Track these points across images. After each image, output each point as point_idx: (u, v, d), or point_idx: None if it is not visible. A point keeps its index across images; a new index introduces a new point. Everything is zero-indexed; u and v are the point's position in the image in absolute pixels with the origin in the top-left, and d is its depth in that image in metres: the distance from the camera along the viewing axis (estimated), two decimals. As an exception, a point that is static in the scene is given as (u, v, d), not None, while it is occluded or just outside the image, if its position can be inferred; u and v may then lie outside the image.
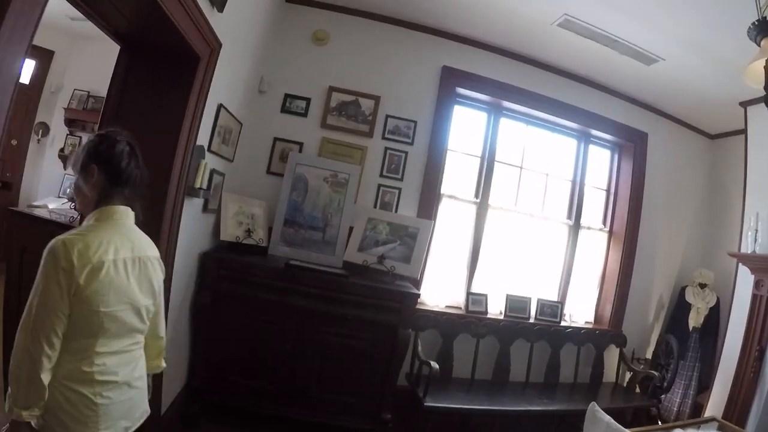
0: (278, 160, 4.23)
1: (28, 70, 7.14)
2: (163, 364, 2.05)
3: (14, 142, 7.01)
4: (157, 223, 2.61)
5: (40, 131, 7.00)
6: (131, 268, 1.67)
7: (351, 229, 4.06)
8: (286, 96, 4.32)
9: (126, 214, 1.73)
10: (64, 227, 3.14)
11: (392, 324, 3.49)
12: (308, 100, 4.34)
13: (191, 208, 3.13)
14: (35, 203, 6.03)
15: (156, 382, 2.26)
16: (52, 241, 1.51)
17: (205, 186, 3.17)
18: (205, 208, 3.45)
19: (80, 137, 6.73)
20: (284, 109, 4.31)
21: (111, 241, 1.61)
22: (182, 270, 3.13)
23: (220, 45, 2.89)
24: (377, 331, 3.50)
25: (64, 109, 6.72)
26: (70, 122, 6.76)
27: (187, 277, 3.29)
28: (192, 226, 3.21)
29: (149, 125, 2.64)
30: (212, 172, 3.38)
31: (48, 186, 6.79)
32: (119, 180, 1.70)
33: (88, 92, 6.69)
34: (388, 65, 4.47)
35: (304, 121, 4.32)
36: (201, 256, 3.47)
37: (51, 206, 5.83)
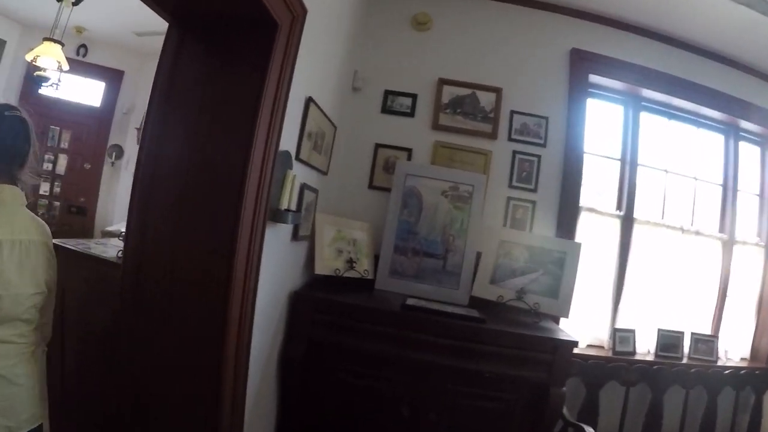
0: (382, 171, 3.51)
1: (98, 92, 6.92)
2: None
3: (87, 166, 6.92)
4: (226, 259, 1.92)
5: (114, 154, 6.95)
6: (10, 250, 1.55)
7: (479, 255, 3.24)
8: (387, 93, 3.61)
9: (11, 194, 1.62)
10: (107, 264, 2.59)
11: (541, 381, 2.66)
12: (414, 97, 3.61)
13: (276, 236, 2.40)
14: (110, 228, 5.89)
15: None
16: None
17: (294, 207, 2.41)
18: (295, 236, 2.72)
19: None
20: (385, 109, 3.60)
21: None
22: (268, 314, 2.42)
23: (305, 11, 2.13)
24: (520, 391, 2.69)
25: (137, 129, 6.47)
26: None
27: (275, 323, 2.58)
28: (278, 259, 2.48)
29: (211, 122, 1.99)
30: (303, 187, 2.66)
31: (123, 210, 6.39)
32: (5, 158, 1.62)
33: None
34: (507, 50, 3.68)
35: (411, 122, 3.59)
36: (291, 297, 2.76)
37: (125, 230, 5.57)
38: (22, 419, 1.61)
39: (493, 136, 3.56)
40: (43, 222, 1.80)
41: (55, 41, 4.68)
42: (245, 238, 1.97)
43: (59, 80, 5.05)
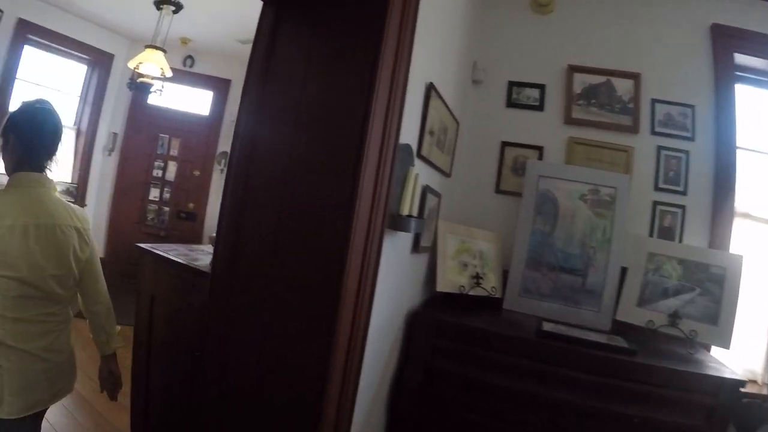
0: (510, 173, 3.10)
1: (206, 100, 7.04)
2: (114, 346, 2.04)
3: (197, 173, 6.98)
4: (335, 273, 1.57)
5: (223, 161, 6.92)
6: (34, 233, 1.66)
7: (623, 271, 2.75)
8: (511, 84, 3.19)
9: (39, 182, 1.76)
10: (197, 273, 2.32)
11: (697, 430, 2.13)
12: (542, 88, 3.15)
13: (394, 246, 2.05)
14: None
15: None
16: None
17: (415, 212, 2.07)
18: (415, 247, 2.37)
19: None
20: (511, 103, 3.18)
21: (13, 205, 1.65)
22: (382, 337, 2.08)
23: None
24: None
25: None
26: None
27: (389, 347, 2.24)
28: (396, 274, 2.15)
29: (315, 110, 1.67)
30: (425, 190, 2.32)
31: None
32: (32, 149, 1.74)
33: None
34: (641, 29, 3.14)
35: (541, 116, 3.15)
36: (409, 317, 2.42)
37: None
38: (53, 392, 1.79)
39: (634, 129, 3.04)
40: (78, 208, 1.95)
41: (157, 48, 4.69)
42: (358, 248, 1.62)
43: (162, 87, 5.07)
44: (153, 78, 4.92)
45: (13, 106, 6.15)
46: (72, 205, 1.89)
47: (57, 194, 1.83)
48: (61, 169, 6.49)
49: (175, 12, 4.65)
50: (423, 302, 2.63)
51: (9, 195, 1.69)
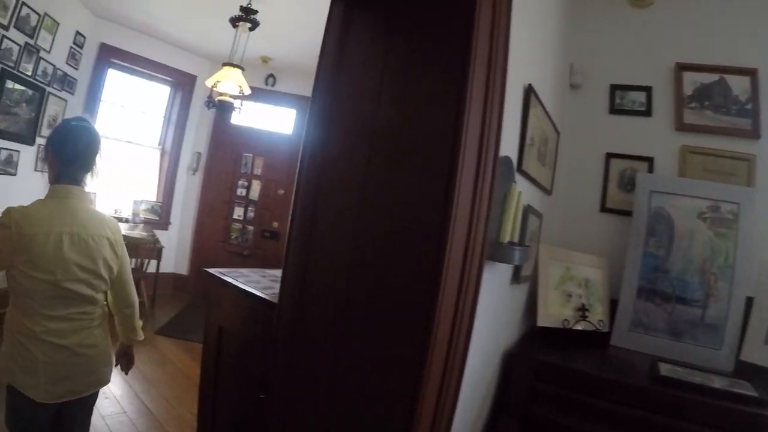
0: (617, 189, 2.76)
1: (289, 119, 7.09)
2: (140, 336, 2.28)
3: (281, 192, 6.98)
4: (424, 315, 1.30)
5: (308, 179, 6.73)
6: (69, 242, 1.81)
7: (749, 301, 2.34)
8: (613, 88, 2.85)
9: (74, 194, 1.89)
10: (266, 304, 2.13)
11: None
12: (648, 90, 2.78)
13: (494, 278, 1.80)
14: None
15: None
16: (4, 210, 1.76)
17: (517, 238, 1.79)
18: (515, 277, 2.10)
19: None
20: (614, 109, 2.84)
21: (50, 215, 1.80)
22: (474, 380, 1.79)
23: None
24: None
25: None
26: None
27: (482, 391, 1.97)
28: (493, 310, 1.89)
29: (394, 118, 1.45)
30: (526, 211, 2.06)
31: None
32: (68, 163, 1.88)
33: None
34: (754, 17, 2.68)
35: (648, 123, 2.78)
36: (505, 357, 2.14)
37: None
38: (87, 383, 1.97)
39: (754, 134, 2.60)
40: (112, 219, 2.07)
41: (235, 66, 4.66)
42: (452, 284, 1.36)
43: (241, 105, 5.05)
44: (231, 96, 4.89)
45: (100, 127, 6.45)
46: (105, 216, 2.05)
47: (92, 206, 2.01)
48: (146, 188, 6.69)
49: (251, 29, 4.60)
50: (520, 338, 2.34)
51: (47, 205, 1.84)
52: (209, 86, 4.77)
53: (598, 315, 2.39)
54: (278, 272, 2.95)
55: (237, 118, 6.92)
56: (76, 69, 5.75)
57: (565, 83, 2.85)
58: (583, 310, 2.31)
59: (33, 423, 1.89)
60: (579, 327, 2.29)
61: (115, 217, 5.90)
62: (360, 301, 1.46)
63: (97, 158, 1.98)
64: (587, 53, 2.92)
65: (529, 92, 1.92)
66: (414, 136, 1.41)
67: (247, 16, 4.49)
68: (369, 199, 1.46)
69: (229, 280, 2.40)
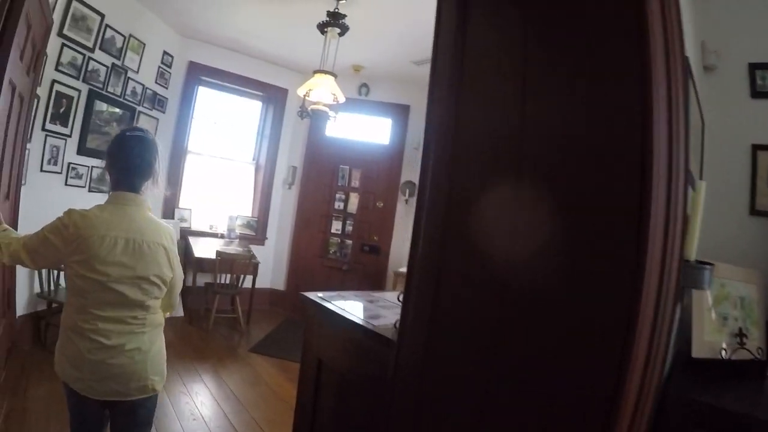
0: (766, 187, 2.29)
1: (385, 128, 6.96)
2: (167, 314, 2.23)
3: (380, 204, 6.83)
4: (610, 361, 0.97)
5: (407, 191, 6.71)
6: (123, 246, 1.88)
7: None
8: (753, 68, 2.36)
9: (132, 201, 1.96)
10: (376, 339, 1.79)
11: None
12: (798, 65, 2.30)
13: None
14: (403, 269, 5.55)
15: None
16: (66, 212, 1.87)
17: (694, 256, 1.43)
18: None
19: None
20: (756, 92, 2.35)
21: (106, 219, 1.88)
22: None
23: None
24: None
25: None
26: None
27: None
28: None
29: (542, 127, 1.11)
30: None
31: None
32: (125, 171, 1.96)
33: None
34: None
35: (799, 104, 2.29)
36: (656, 398, 1.70)
37: None
38: (132, 387, 1.97)
39: None
40: (169, 228, 2.10)
41: (327, 72, 4.54)
42: (645, 327, 0.98)
43: (336, 113, 4.88)
44: (325, 105, 4.76)
45: (192, 145, 6.59)
46: (163, 224, 2.08)
47: (150, 213, 2.03)
48: (241, 203, 6.60)
49: (341, 34, 4.46)
50: (668, 371, 1.91)
51: (104, 210, 1.92)
52: (301, 95, 4.65)
53: (755, 341, 1.91)
54: (389, 296, 2.69)
55: (332, 130, 6.92)
56: (166, 88, 5.92)
57: (698, 65, 2.39)
58: (740, 336, 1.87)
59: (84, 415, 2.01)
60: (736, 357, 1.83)
61: (210, 233, 6.03)
62: (517, 341, 1.12)
63: (156, 166, 2.03)
64: (720, 29, 2.44)
65: (687, 70, 1.54)
66: (583, 137, 1.06)
67: (335, 21, 4.36)
68: (524, 211, 1.13)
69: (331, 307, 2.11)
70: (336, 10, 4.35)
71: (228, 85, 6.65)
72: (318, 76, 4.55)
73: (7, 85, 2.36)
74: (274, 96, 6.96)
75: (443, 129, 1.31)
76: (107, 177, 2.02)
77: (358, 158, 6.98)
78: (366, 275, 6.81)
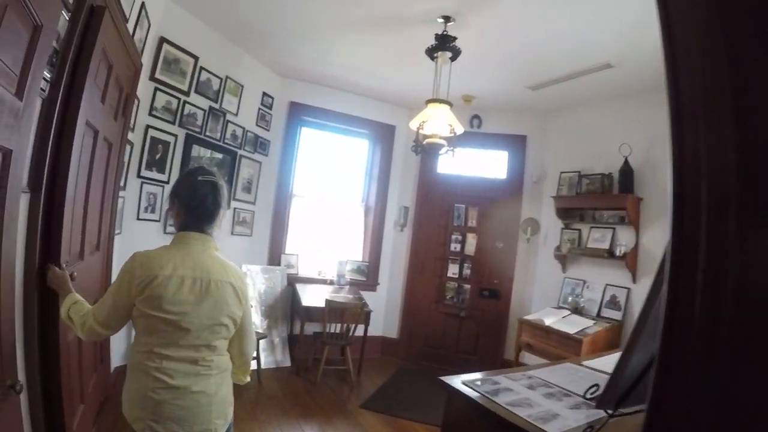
0: None
1: (501, 162, 6.58)
2: (246, 379, 2.28)
3: (500, 245, 6.40)
4: None
5: (529, 229, 6.22)
6: (190, 285, 1.89)
7: None
8: None
9: (199, 240, 1.99)
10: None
11: None
12: None
13: None
14: (529, 317, 5.28)
15: None
16: (132, 255, 1.90)
17: None
18: None
19: (578, 230, 5.61)
20: None
21: (172, 259, 1.89)
22: None
23: None
24: None
25: (553, 198, 5.71)
26: (564, 213, 5.68)
27: None
28: None
29: None
30: None
31: (544, 293, 6.00)
32: (194, 214, 1.99)
33: (579, 172, 5.58)
34: None
35: None
36: None
37: (548, 321, 4.99)
38: (195, 430, 1.91)
39: None
40: (236, 267, 2.11)
41: (441, 101, 4.17)
42: None
43: (454, 146, 4.43)
44: (441, 137, 4.35)
45: (297, 188, 6.41)
46: (230, 263, 2.07)
47: (217, 252, 2.05)
48: (350, 248, 6.03)
49: (452, 59, 4.13)
50: None
51: (171, 250, 1.94)
52: (414, 128, 4.30)
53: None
54: (571, 366, 2.36)
55: (444, 166, 6.59)
56: (267, 130, 5.86)
57: None
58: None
59: None
60: None
61: (319, 279, 5.89)
62: None
63: (221, 210, 2.05)
64: None
65: None
66: None
67: (445, 45, 4.06)
68: None
69: (483, 397, 1.71)
70: (445, 33, 4.04)
71: (332, 124, 6.52)
72: (432, 106, 4.20)
73: (84, 126, 2.24)
74: (381, 133, 6.75)
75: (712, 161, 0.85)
76: (171, 215, 2.06)
77: (474, 195, 6.57)
78: (485, 322, 6.35)
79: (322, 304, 5.28)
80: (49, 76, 1.94)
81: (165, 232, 4.56)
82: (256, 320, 5.48)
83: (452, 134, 4.27)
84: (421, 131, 4.25)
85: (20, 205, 1.81)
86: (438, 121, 4.20)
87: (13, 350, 1.79)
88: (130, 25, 3.31)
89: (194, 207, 1.98)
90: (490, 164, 6.65)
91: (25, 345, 2.06)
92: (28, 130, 1.73)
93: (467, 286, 6.51)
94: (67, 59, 2.06)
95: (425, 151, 4.43)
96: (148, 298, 1.83)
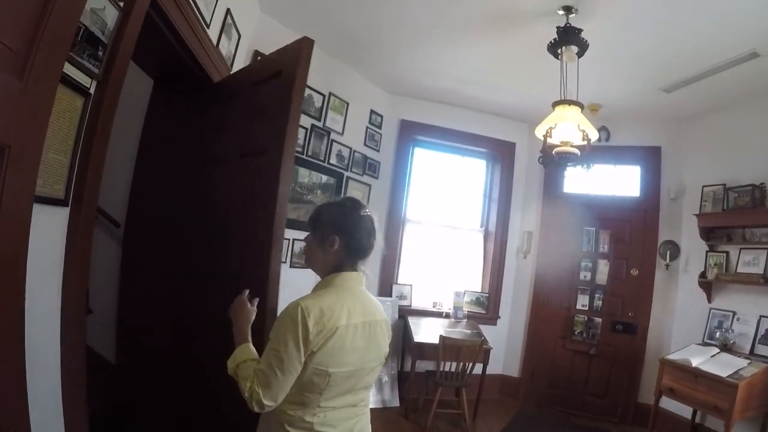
0: None
1: (634, 178, 6.00)
2: None
3: (635, 272, 5.86)
4: None
5: (668, 253, 5.60)
6: (362, 331, 1.83)
7: None
8: None
9: (358, 280, 1.91)
10: None
11: None
12: None
13: None
14: (673, 356, 4.67)
15: None
16: (291, 304, 1.73)
17: None
18: None
19: (725, 252, 4.94)
20: None
21: (344, 306, 1.79)
22: None
23: None
24: None
25: (696, 216, 5.19)
26: (708, 233, 5.13)
27: None
28: None
29: None
30: None
31: (686, 327, 5.29)
32: (358, 253, 1.90)
33: (724, 185, 4.97)
34: None
35: None
36: None
37: (695, 362, 4.33)
38: None
39: None
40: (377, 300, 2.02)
41: (571, 102, 3.71)
42: None
43: (588, 157, 3.88)
44: (573, 146, 3.80)
45: (410, 213, 6.05)
46: (373, 297, 2.01)
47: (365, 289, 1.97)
48: (468, 277, 5.47)
49: (579, 54, 3.72)
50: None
51: (339, 294, 1.83)
52: (540, 136, 3.79)
53: None
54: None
55: (571, 185, 6.13)
56: (377, 150, 5.64)
57: None
58: None
59: None
60: None
61: (433, 312, 5.67)
62: None
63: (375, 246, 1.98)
64: None
65: None
66: None
67: (569, 38, 3.66)
68: None
69: None
70: (568, 25, 3.63)
71: (447, 143, 6.26)
72: (560, 108, 3.73)
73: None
74: (499, 152, 6.40)
75: None
76: (320, 250, 1.91)
77: (605, 217, 5.97)
78: (618, 361, 5.72)
79: (437, 340, 4.92)
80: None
81: (291, 266, 4.49)
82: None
83: (585, 141, 3.72)
84: (548, 138, 3.74)
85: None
86: (568, 126, 3.71)
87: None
88: (213, 33, 3.26)
89: (358, 245, 1.89)
90: (620, 181, 6.06)
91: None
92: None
93: (598, 320, 5.88)
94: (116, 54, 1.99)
95: (555, 162, 3.91)
96: (326, 355, 1.72)
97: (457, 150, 6.41)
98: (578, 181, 5.66)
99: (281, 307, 1.84)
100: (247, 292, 2.09)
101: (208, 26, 3.13)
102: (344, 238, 1.88)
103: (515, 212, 6.39)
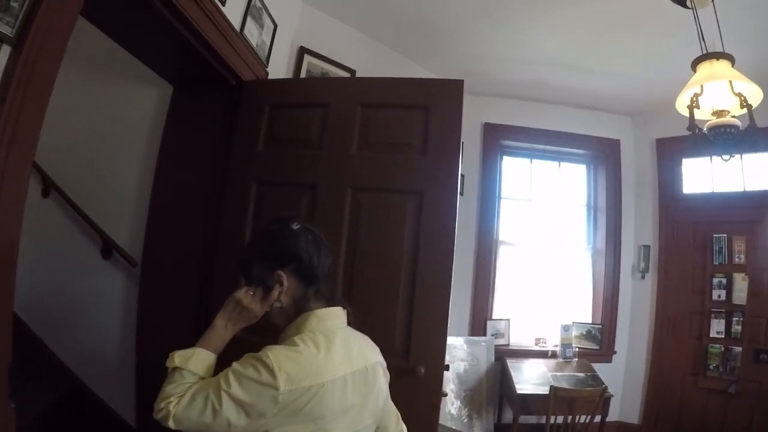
0: None
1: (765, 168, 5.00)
2: None
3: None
4: None
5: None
6: (351, 383, 1.55)
7: None
8: None
9: (336, 316, 1.64)
10: None
11: None
12: None
13: None
14: None
15: None
16: (265, 350, 1.43)
17: None
18: None
19: None
20: None
21: (326, 357, 1.50)
22: None
23: None
24: None
25: None
26: None
27: None
28: None
29: None
30: None
31: None
32: (316, 278, 1.64)
33: None
34: None
35: None
36: None
37: None
38: None
39: None
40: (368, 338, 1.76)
41: (719, 55, 2.93)
42: None
43: (750, 124, 2.98)
44: (731, 116, 3.00)
45: (503, 233, 5.58)
46: (361, 333, 1.74)
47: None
48: (576, 306, 3.78)
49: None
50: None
51: (319, 343, 1.52)
52: (685, 106, 2.98)
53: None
54: None
55: (691, 184, 5.36)
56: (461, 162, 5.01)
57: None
58: None
59: None
60: None
61: (536, 352, 4.96)
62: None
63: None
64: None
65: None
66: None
67: None
68: None
69: None
70: None
71: (538, 146, 5.65)
72: (702, 67, 2.95)
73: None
74: (602, 152, 5.72)
75: None
76: (274, 295, 1.57)
77: (739, 219, 5.12)
78: (763, 400, 4.75)
79: (543, 390, 4.23)
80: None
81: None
82: (452, 410, 4.63)
83: (744, 107, 2.85)
84: (694, 107, 2.90)
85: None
86: (719, 88, 2.87)
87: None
88: (234, 15, 2.96)
89: (309, 268, 1.61)
90: (757, 172, 5.17)
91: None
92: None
93: (738, 349, 4.94)
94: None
95: (709, 142, 3.06)
96: (304, 418, 1.44)
97: (551, 155, 5.80)
98: (700, 177, 5.04)
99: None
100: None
101: (223, 3, 2.79)
102: (290, 266, 1.61)
103: (627, 223, 5.66)
